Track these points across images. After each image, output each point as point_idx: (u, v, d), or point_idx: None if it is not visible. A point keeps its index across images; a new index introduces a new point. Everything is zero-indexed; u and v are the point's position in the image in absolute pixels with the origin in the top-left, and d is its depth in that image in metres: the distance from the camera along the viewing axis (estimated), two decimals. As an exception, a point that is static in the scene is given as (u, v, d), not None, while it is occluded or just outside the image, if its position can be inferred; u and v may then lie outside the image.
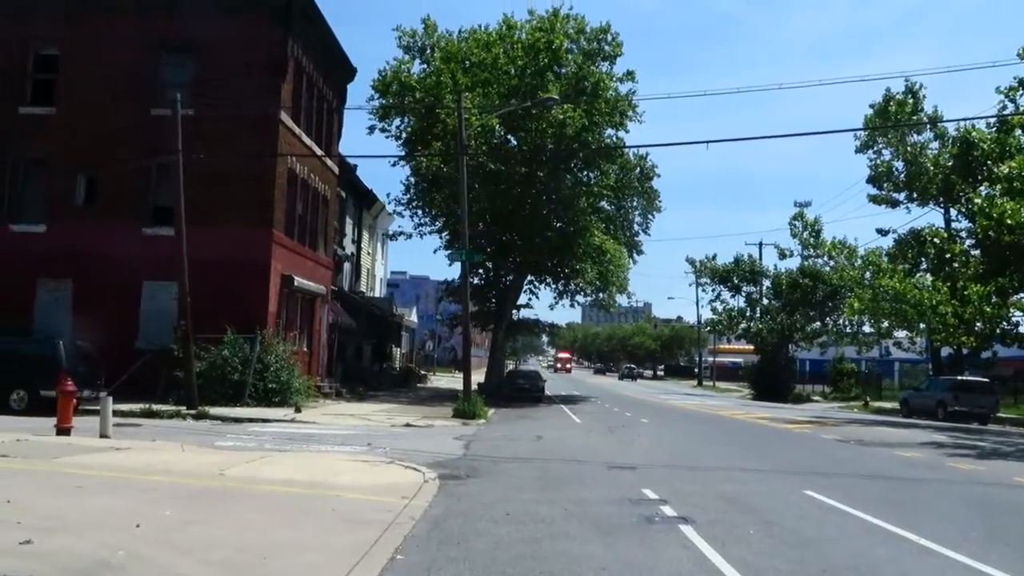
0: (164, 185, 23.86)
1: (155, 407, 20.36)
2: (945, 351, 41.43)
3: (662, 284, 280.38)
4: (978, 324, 33.95)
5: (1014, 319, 34.82)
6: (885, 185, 42.66)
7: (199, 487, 9.90)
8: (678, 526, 8.81)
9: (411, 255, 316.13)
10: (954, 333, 35.05)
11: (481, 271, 41.14)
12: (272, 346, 23.95)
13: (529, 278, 41.92)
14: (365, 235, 45.91)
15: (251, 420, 19.74)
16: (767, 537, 8.50)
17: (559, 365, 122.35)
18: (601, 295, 42.85)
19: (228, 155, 23.75)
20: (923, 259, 39.20)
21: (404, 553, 7.33)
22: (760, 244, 65.63)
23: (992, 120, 36.82)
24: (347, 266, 41.09)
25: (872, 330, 45.54)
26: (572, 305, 43.09)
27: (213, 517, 8.25)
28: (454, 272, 62.27)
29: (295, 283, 26.78)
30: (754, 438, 21.87)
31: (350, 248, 41.81)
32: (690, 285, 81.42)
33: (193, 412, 20.20)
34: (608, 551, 7.67)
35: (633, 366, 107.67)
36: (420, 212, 38.75)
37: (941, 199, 40.99)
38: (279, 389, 23.41)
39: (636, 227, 44.44)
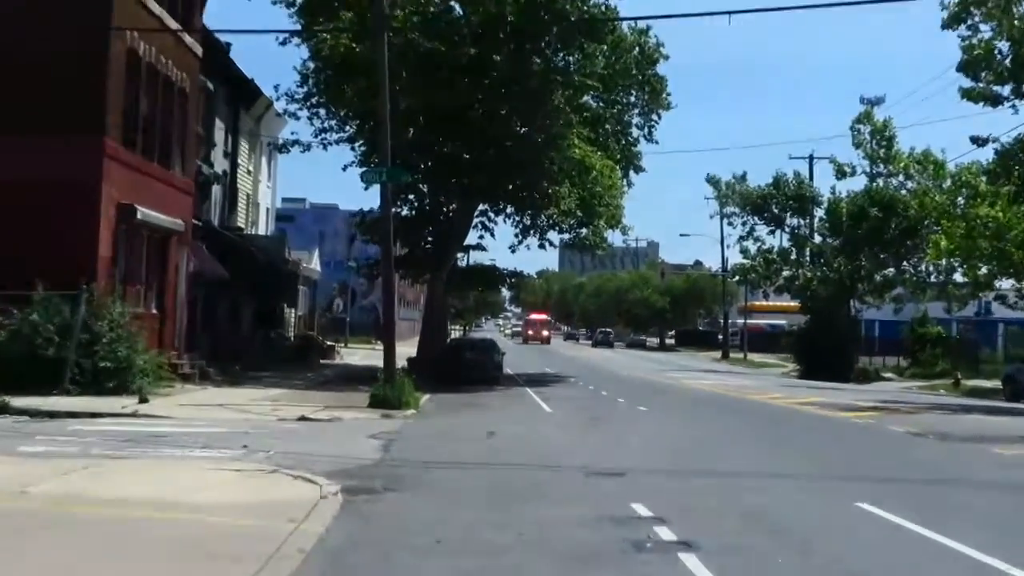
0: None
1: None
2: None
3: (673, 216, 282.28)
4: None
5: None
6: (983, 75, 42.95)
7: (-10, 511, 9.81)
8: (677, 555, 8.98)
9: (311, 175, 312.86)
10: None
11: (413, 198, 40.96)
12: (105, 308, 23.67)
13: (482, 208, 41.94)
14: (243, 146, 45.30)
15: (73, 415, 19.53)
16: (802, 569, 8.68)
17: (530, 332, 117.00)
18: (584, 231, 43.01)
19: (34, 29, 23.07)
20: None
21: (285, 600, 7.37)
22: (810, 158, 65.34)
23: None
24: (217, 191, 40.57)
25: (966, 279, 46.33)
26: (543, 246, 43.20)
27: (4, 557, 8.18)
28: (373, 199, 61.66)
29: (138, 215, 26.42)
30: (796, 431, 22.31)
31: (221, 165, 41.24)
32: (712, 217, 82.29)
33: (-14, 404, 19.95)
34: (577, 592, 7.80)
35: (609, 331, 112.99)
36: (323, 113, 38.47)
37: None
38: (115, 370, 23.19)
39: (635, 133, 44.59)
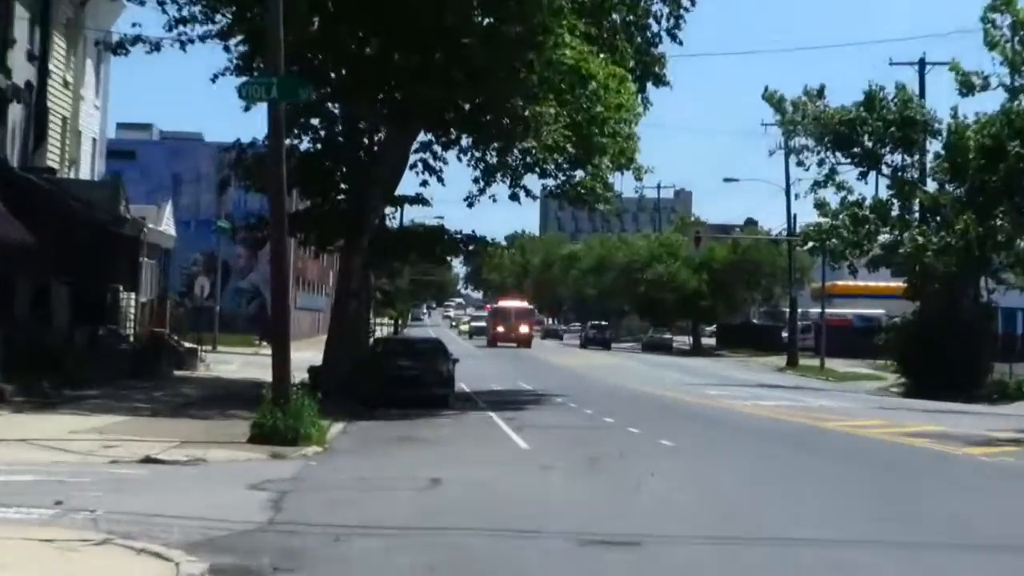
0: None
1: None
2: None
3: (713, 153, 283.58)
4: None
5: None
6: None
7: None
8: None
9: (163, 90, 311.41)
10: None
11: (318, 123, 40.89)
12: None
13: (423, 139, 41.96)
14: (59, 44, 44.91)
15: None
16: None
17: (500, 328, 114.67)
18: (580, 175, 43.02)
19: None
20: None
21: None
22: (921, 64, 65.44)
23: None
24: (17, 112, 40.25)
25: None
26: (516, 196, 43.02)
27: None
28: (257, 126, 61.49)
29: None
30: (902, 478, 22.43)
31: (23, 72, 40.89)
32: (772, 154, 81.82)
33: None
34: None
35: (604, 324, 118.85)
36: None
37: None
38: None
39: (656, 29, 44.56)
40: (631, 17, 43.70)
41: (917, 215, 57.55)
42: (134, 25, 53.63)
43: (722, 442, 29.21)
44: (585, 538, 14.44)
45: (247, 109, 33.41)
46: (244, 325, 79.04)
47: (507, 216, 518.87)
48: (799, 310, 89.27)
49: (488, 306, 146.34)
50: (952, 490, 20.87)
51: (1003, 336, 62.73)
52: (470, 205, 43.32)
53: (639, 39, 44.00)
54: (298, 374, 29.64)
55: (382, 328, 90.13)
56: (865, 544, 14.78)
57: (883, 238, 57.24)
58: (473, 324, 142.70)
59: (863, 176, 58.77)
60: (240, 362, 54.91)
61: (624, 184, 43.22)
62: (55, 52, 43.56)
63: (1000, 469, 23.98)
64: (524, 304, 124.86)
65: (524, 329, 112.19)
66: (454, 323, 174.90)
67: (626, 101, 40.94)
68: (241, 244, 63.63)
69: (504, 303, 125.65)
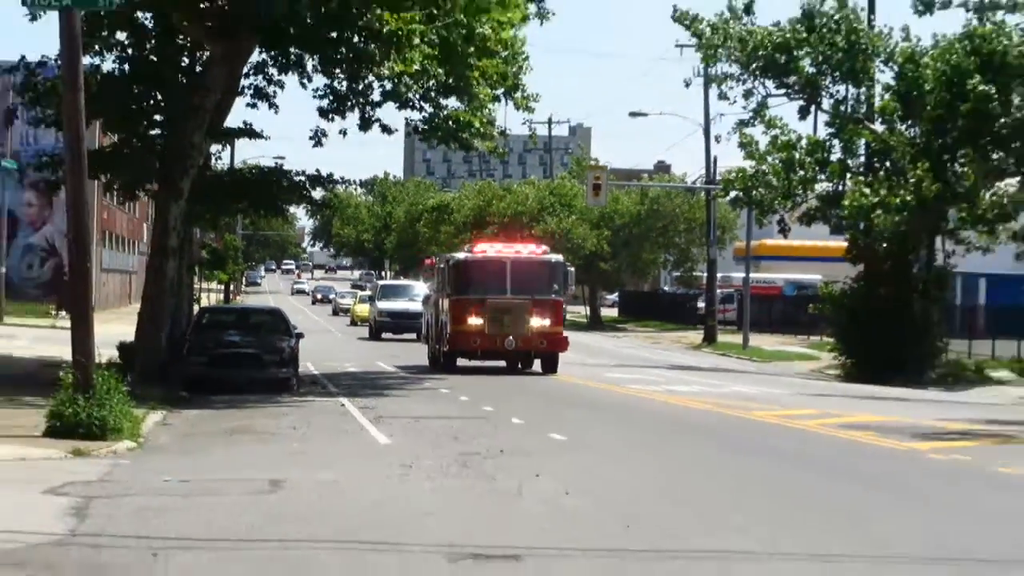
0: None
1: None
2: None
3: (617, 82, 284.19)
4: None
5: None
6: None
7: None
8: None
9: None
10: None
11: (125, 38, 40.61)
12: None
13: (257, 58, 41.84)
14: None
15: None
16: None
17: (473, 319, 50.29)
18: (452, 104, 43.15)
19: None
20: None
21: None
22: (868, -25, 66.42)
23: None
24: None
25: None
26: (367, 126, 42.90)
27: None
28: (47, 41, 60.85)
29: None
30: (835, 480, 22.89)
31: None
32: (688, 84, 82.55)
33: None
34: None
35: (371, 272, 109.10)
36: None
37: None
38: None
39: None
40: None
41: (863, 160, 58.16)
42: None
43: (623, 436, 29.47)
44: (455, 552, 14.64)
45: (33, 19, 33.21)
46: (36, 291, 78.28)
47: (363, 157, 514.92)
48: (719, 275, 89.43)
49: (430, 260, 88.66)
50: (894, 495, 21.30)
51: (961, 307, 63.71)
52: (317, 143, 43.19)
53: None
54: (106, 351, 29.63)
55: (209, 295, 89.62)
56: (786, 558, 15.16)
57: (821, 188, 57.82)
58: (383, 307, 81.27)
59: (802, 113, 59.27)
60: (31, 337, 54.54)
61: (508, 119, 43.21)
62: None
63: (946, 471, 24.44)
64: (537, 250, 54.13)
65: (538, 320, 48.94)
66: (306, 287, 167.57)
67: (507, 13, 40.99)
68: (31, 189, 63.10)
69: (481, 247, 53.93)
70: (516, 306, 46.56)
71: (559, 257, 52.55)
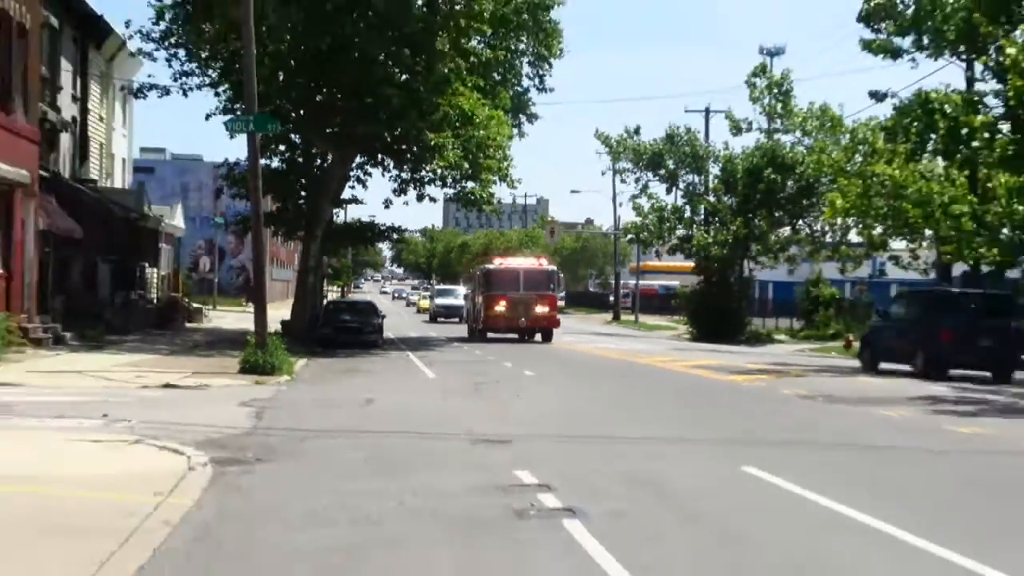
0: None
1: None
2: (958, 268, 44.05)
3: (564, 171, 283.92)
4: (1005, 230, 36.23)
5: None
6: (884, 25, 44.08)
7: None
8: (562, 522, 9.34)
9: (172, 122, 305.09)
10: (971, 242, 37.29)
11: (283, 148, 40.57)
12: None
13: (359, 160, 41.68)
14: (94, 89, 44.07)
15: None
16: (687, 536, 9.13)
17: (499, 308, 45.49)
18: (470, 185, 43.11)
19: None
20: (932, 135, 41.13)
21: (151, 577, 7.45)
22: (706, 112, 66.39)
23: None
24: (66, 139, 39.47)
25: (861, 240, 47.74)
26: (418, 198, 42.91)
27: None
28: (239, 149, 60.79)
29: (-22, 165, 25.61)
30: (687, 396, 22.91)
31: (70, 110, 40.11)
32: (604, 173, 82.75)
33: None
34: (458, 564, 8.07)
35: (425, 280, 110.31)
36: (182, 54, 37.73)
37: (961, 48, 42.78)
38: (-45, 334, 22.63)
39: (526, 82, 44.78)
40: (509, 74, 43.94)
41: (702, 217, 58.34)
42: (149, 76, 52.89)
43: (567, 372, 29.28)
44: (473, 437, 14.70)
45: (232, 137, 33.14)
46: (234, 292, 78.21)
47: (419, 215, 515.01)
48: (622, 282, 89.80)
49: (473, 271, 70.03)
50: (717, 403, 21.27)
51: (759, 300, 63.77)
52: (387, 206, 45.16)
53: (515, 90, 44.26)
54: (273, 325, 29.57)
55: (331, 293, 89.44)
56: (665, 440, 15.19)
57: (679, 233, 57.82)
58: (440, 302, 74.26)
59: (669, 190, 59.50)
60: (232, 318, 54.35)
61: (502, 192, 43.15)
62: (92, 95, 42.79)
63: (750, 390, 24.53)
64: (540, 263, 50.56)
65: (541, 308, 45.81)
66: (390, 291, 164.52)
67: (501, 134, 40.97)
68: (231, 234, 63.03)
69: (506, 262, 50.32)
70: (526, 299, 44.69)
71: (554, 267, 51.50)
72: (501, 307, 44.72)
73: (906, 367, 30.46)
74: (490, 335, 44.97)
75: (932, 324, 30.27)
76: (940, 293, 35.09)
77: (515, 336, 45.16)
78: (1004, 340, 29.48)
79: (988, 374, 29.27)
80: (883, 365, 31.70)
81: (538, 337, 45.37)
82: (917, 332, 30.79)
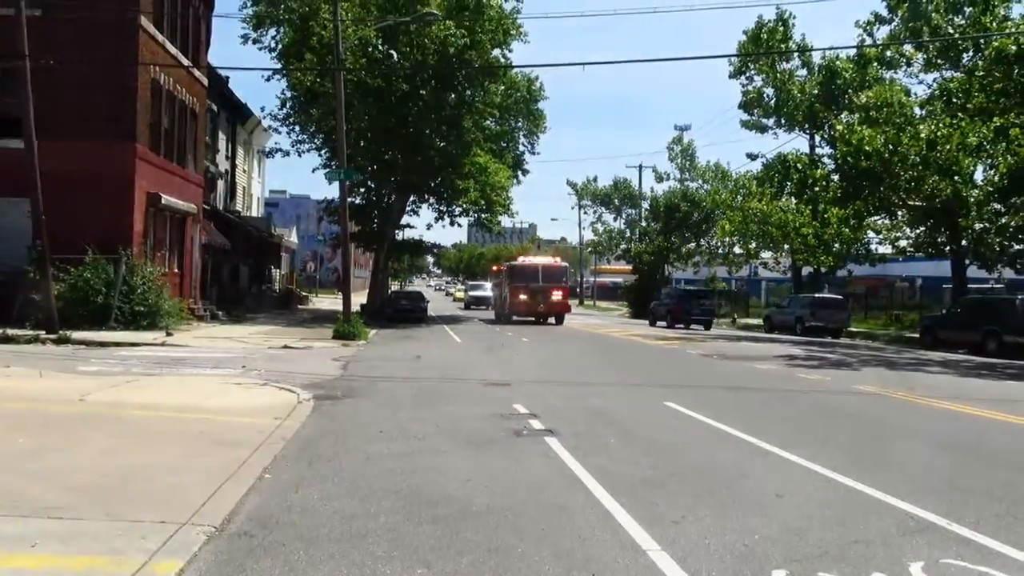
0: (10, 93, 21.99)
1: (10, 332, 19.29)
2: (806, 270, 44.11)
3: (547, 205, 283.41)
4: (836, 245, 36.36)
5: (868, 240, 37.47)
6: (756, 111, 44.19)
7: (58, 413, 9.59)
8: (544, 438, 9.27)
9: (290, 173, 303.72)
10: (814, 253, 37.41)
11: (362, 190, 40.43)
12: (139, 268, 22.99)
13: (412, 198, 41.55)
14: (240, 151, 44.07)
15: (118, 344, 19.04)
16: (626, 446, 9.07)
17: (521, 296, 38.98)
18: (484, 215, 43.11)
19: (82, 62, 22.18)
20: (788, 183, 41.20)
21: (273, 472, 7.43)
22: (640, 167, 66.57)
23: (853, 52, 38.65)
24: (220, 184, 39.49)
25: (742, 251, 47.78)
26: (450, 224, 43.34)
27: (73, 443, 8.05)
28: (334, 191, 61.21)
29: (162, 201, 25.60)
30: (626, 354, 22.85)
31: (224, 165, 40.11)
32: (572, 208, 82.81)
33: (53, 337, 19.27)
34: (475, 463, 8.03)
35: (458, 278, 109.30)
36: (298, 128, 37.59)
37: (806, 125, 42.92)
38: (147, 312, 22.61)
39: (522, 147, 44.61)
40: (511, 142, 43.88)
41: (638, 236, 58.28)
42: (275, 143, 52.28)
43: (549, 339, 29.04)
44: (485, 382, 14.56)
45: (330, 183, 33.62)
46: (329, 285, 78.15)
47: (451, 234, 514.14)
48: (585, 279, 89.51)
49: (499, 266, 58.58)
50: (648, 359, 21.22)
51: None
52: (429, 228, 49.80)
53: (514, 152, 44.22)
54: (355, 307, 29.43)
55: (393, 286, 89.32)
56: (612, 384, 15.11)
57: (623, 247, 57.96)
58: (471, 294, 64.71)
59: (615, 219, 59.75)
60: (328, 303, 54.21)
61: (506, 220, 43.08)
62: (238, 155, 42.74)
63: (668, 351, 24.44)
64: (555, 261, 42.00)
65: (556, 296, 39.12)
66: (432, 286, 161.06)
67: (504, 181, 40.80)
68: (328, 247, 62.87)
69: (526, 259, 42.47)
70: (543, 289, 38.11)
71: (567, 264, 44.01)
72: (524, 296, 38.42)
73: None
74: (514, 318, 39.44)
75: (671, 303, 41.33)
76: (678, 290, 44.35)
77: (533, 319, 39.26)
78: (705, 311, 40.58)
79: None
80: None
81: (552, 320, 39.26)
82: (791, 314, 36.40)
